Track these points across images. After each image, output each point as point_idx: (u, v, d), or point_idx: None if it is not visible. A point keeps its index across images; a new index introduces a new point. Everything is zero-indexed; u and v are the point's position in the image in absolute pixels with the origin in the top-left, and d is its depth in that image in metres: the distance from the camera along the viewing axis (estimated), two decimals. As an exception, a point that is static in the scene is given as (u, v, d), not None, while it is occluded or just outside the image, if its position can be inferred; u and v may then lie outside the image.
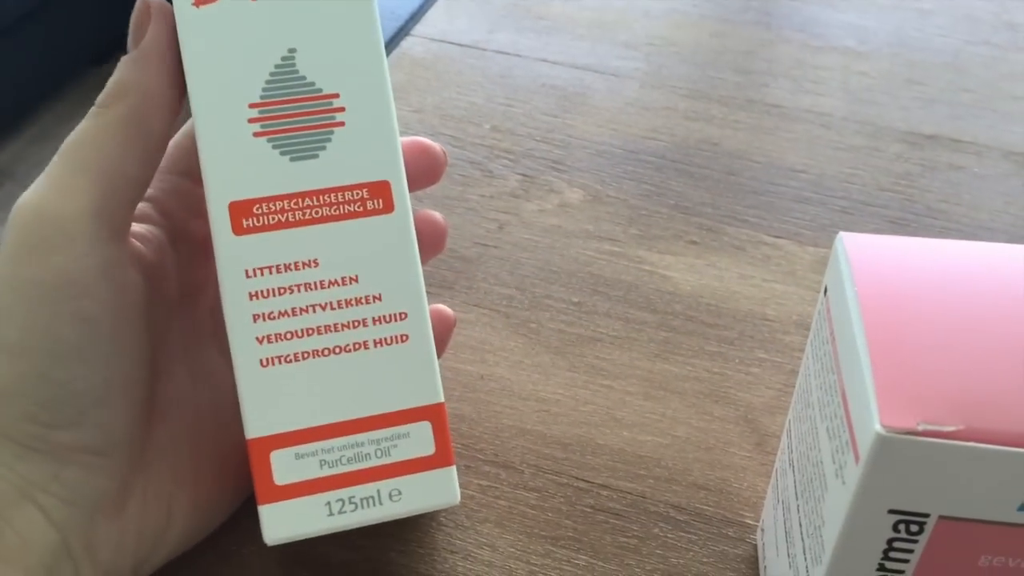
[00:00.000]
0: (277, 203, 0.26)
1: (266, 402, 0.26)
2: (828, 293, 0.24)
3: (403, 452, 0.26)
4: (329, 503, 0.26)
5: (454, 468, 0.27)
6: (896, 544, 0.21)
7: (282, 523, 0.26)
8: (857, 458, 0.21)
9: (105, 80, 0.27)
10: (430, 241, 0.30)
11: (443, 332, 0.31)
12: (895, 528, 0.21)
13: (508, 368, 0.36)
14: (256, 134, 0.25)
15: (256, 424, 0.26)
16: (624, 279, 0.39)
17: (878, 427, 0.20)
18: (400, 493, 0.26)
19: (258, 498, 0.26)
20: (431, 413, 0.27)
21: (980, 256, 0.23)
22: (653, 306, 0.38)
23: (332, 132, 0.26)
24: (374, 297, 0.26)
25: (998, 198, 0.43)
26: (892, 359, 0.21)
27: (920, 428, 0.19)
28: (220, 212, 0.25)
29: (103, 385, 0.25)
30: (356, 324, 0.26)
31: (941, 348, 0.21)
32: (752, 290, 0.39)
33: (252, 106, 0.25)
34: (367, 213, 0.26)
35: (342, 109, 0.26)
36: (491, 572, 0.30)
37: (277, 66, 0.26)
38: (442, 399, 0.27)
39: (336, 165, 0.26)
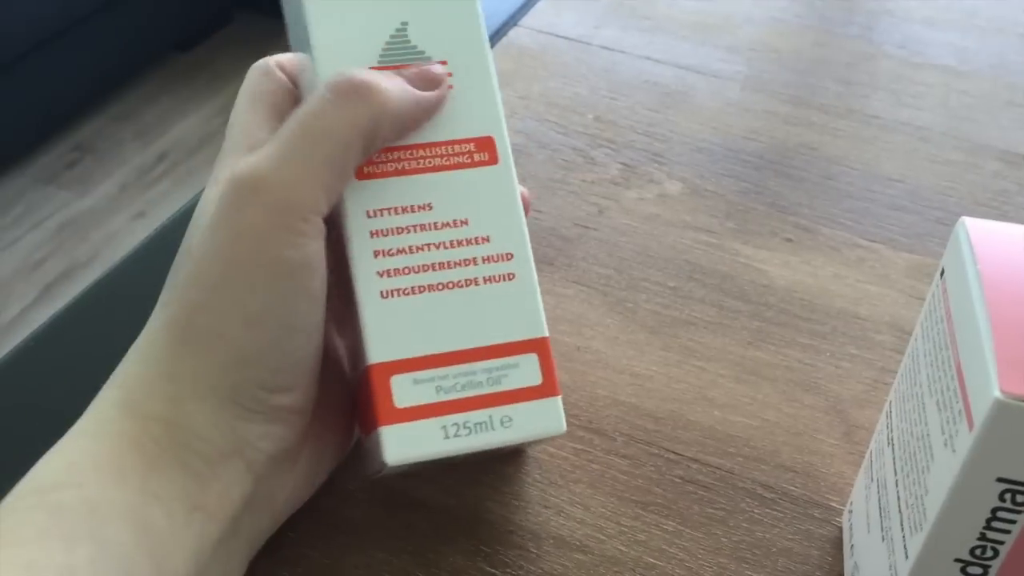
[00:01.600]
0: (393, 152, 0.28)
1: (387, 330, 0.28)
2: (945, 275, 0.25)
3: (512, 381, 0.28)
4: (445, 427, 0.27)
5: (559, 398, 0.29)
6: (1000, 514, 0.22)
7: (402, 444, 0.27)
8: (971, 425, 0.21)
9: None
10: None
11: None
12: (1001, 497, 0.22)
13: (604, 342, 0.37)
14: None
15: (378, 350, 0.27)
16: (720, 269, 0.40)
17: (997, 393, 0.20)
18: (511, 420, 0.28)
19: (379, 420, 0.27)
20: (537, 346, 0.29)
21: (1100, 247, 0.24)
22: (747, 296, 0.39)
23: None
24: (482, 239, 0.29)
25: (1095, 220, 0.43)
26: (1011, 332, 0.22)
27: (1038, 397, 0.20)
28: None
29: (315, 353, 0.27)
30: (467, 262, 0.29)
31: (1060, 327, 0.22)
32: (846, 289, 0.40)
33: (372, 69, 0.28)
34: (474, 164, 0.29)
35: (450, 74, 0.29)
36: (583, 528, 0.31)
37: (392, 36, 0.29)
38: (547, 334, 0.29)
39: (446, 122, 0.29)
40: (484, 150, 0.29)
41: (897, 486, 0.26)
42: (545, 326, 0.29)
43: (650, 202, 0.43)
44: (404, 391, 0.27)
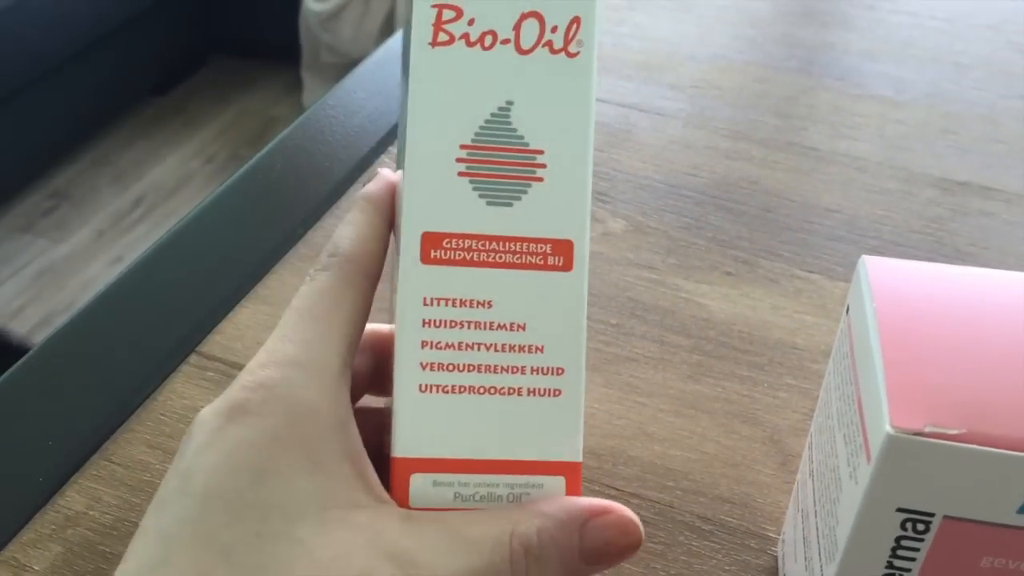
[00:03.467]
0: (466, 241, 0.27)
1: (418, 425, 0.27)
2: (850, 312, 0.26)
3: (533, 500, 0.27)
4: None
5: None
6: (904, 543, 0.23)
7: None
8: (869, 458, 0.22)
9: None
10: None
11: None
12: (903, 526, 0.23)
13: (547, 382, 0.38)
14: (460, 173, 0.26)
15: (405, 444, 0.26)
16: (661, 304, 0.41)
17: (888, 428, 0.21)
18: None
19: None
20: (568, 469, 0.27)
21: (990, 281, 0.25)
22: (688, 331, 0.40)
23: (530, 185, 0.27)
24: (537, 348, 0.27)
25: (1026, 244, 0.44)
26: (904, 368, 0.22)
27: (926, 430, 0.21)
28: (412, 239, 0.26)
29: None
30: (515, 370, 0.27)
31: (950, 360, 0.23)
32: (784, 320, 0.41)
33: (463, 147, 0.26)
34: (547, 267, 0.27)
35: (544, 165, 0.27)
36: (524, 567, 0.32)
37: (493, 114, 0.27)
38: (580, 459, 0.27)
39: (528, 216, 0.27)
40: (560, 254, 0.27)
41: (816, 516, 0.27)
42: (580, 451, 0.27)
43: (594, 240, 0.44)
44: (421, 491, 0.26)
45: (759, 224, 0.46)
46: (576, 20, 0.27)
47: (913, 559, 0.23)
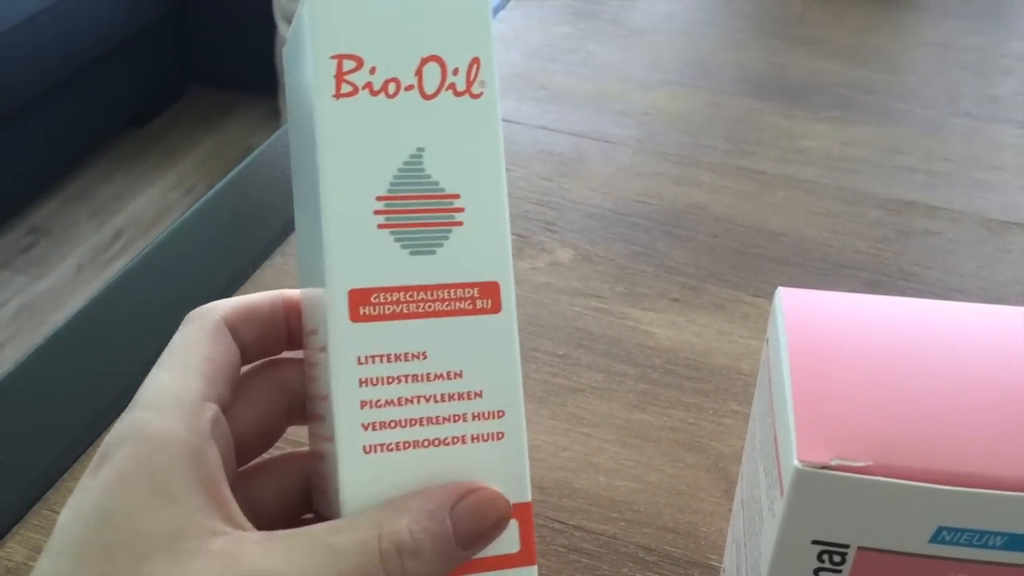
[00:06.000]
0: (394, 294, 0.26)
1: (364, 487, 0.26)
2: (768, 343, 0.26)
3: (488, 549, 0.27)
4: None
5: (536, 568, 0.27)
6: (822, 574, 0.23)
7: None
8: (782, 491, 0.23)
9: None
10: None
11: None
12: (819, 558, 0.23)
13: (493, 415, 0.38)
14: (380, 226, 0.26)
15: (352, 506, 0.26)
16: (608, 334, 0.42)
17: (796, 462, 0.22)
18: None
19: None
20: (519, 511, 0.27)
21: (904, 310, 0.25)
22: (634, 359, 0.41)
23: (450, 231, 0.27)
24: (475, 393, 0.27)
25: (970, 262, 0.45)
26: (813, 401, 0.23)
27: (833, 463, 0.21)
28: (339, 298, 0.26)
29: None
30: (456, 418, 0.27)
31: (860, 391, 0.23)
32: (729, 346, 0.41)
33: (379, 198, 0.26)
34: (476, 311, 0.27)
35: (461, 209, 0.27)
36: (466, 605, 0.32)
37: (405, 163, 0.26)
38: (530, 498, 0.27)
39: (451, 262, 0.27)
40: (488, 297, 0.27)
41: (745, 547, 0.27)
42: (529, 491, 0.27)
43: (542, 271, 0.45)
44: None
45: (707, 249, 0.46)
46: (475, 61, 0.27)
47: (832, 590, 0.23)
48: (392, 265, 0.26)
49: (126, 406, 0.38)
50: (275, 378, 0.29)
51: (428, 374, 0.27)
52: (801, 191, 0.49)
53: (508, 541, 0.27)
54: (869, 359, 0.24)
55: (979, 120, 0.54)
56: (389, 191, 0.26)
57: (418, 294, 0.26)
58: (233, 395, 0.28)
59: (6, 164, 1.77)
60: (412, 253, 0.26)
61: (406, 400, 0.26)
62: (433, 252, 0.27)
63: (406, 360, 0.26)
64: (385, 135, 0.26)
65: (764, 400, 0.26)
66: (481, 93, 0.27)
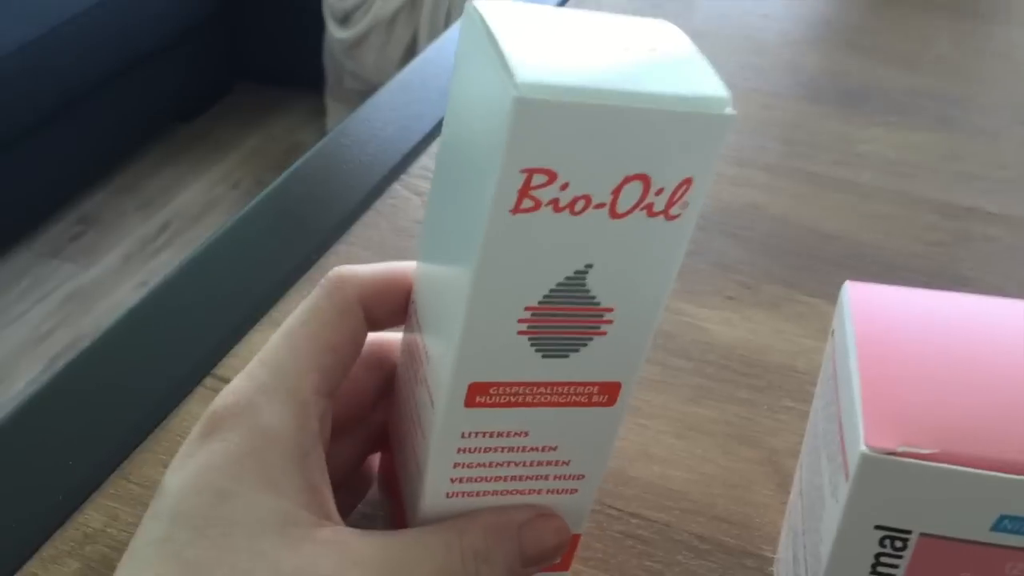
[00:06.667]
0: (514, 388, 0.26)
1: (438, 516, 0.28)
2: (834, 335, 0.27)
3: None
4: None
5: (568, 573, 0.31)
6: (883, 559, 0.24)
7: None
8: (847, 476, 0.23)
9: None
10: None
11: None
12: (881, 543, 0.24)
13: (551, 404, 0.39)
14: (520, 332, 0.24)
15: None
16: (664, 328, 0.42)
17: (863, 447, 0.22)
18: None
19: None
20: (571, 539, 0.29)
21: (969, 306, 0.26)
22: (689, 354, 0.41)
23: (592, 339, 0.25)
24: (563, 462, 0.28)
25: (1027, 269, 0.45)
26: (880, 389, 0.23)
27: (900, 450, 0.22)
28: (459, 388, 0.25)
29: None
30: (539, 477, 0.28)
31: (926, 382, 0.23)
32: (784, 344, 0.42)
33: (528, 309, 0.24)
34: (590, 404, 0.26)
35: (611, 322, 0.25)
36: (524, 585, 0.33)
37: (568, 278, 0.24)
38: (582, 531, 0.30)
39: (583, 366, 0.25)
40: (606, 393, 0.26)
41: (803, 535, 0.28)
42: (583, 526, 0.30)
43: (599, 266, 0.45)
44: None
45: (762, 249, 0.46)
46: (687, 181, 0.22)
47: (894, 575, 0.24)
48: (521, 365, 0.25)
49: (200, 382, 0.40)
50: (379, 354, 0.30)
51: (525, 447, 0.27)
52: (857, 194, 0.50)
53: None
54: (935, 351, 0.24)
55: (1037, 129, 0.54)
56: (540, 303, 0.24)
57: (538, 388, 0.26)
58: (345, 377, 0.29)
59: (58, 154, 1.81)
60: (544, 356, 0.25)
61: (498, 464, 0.27)
62: (567, 356, 0.25)
63: (507, 436, 0.27)
64: (555, 249, 0.23)
65: (828, 391, 0.26)
66: (679, 215, 0.23)
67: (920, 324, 0.25)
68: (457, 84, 0.24)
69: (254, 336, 0.42)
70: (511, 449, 0.27)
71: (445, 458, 0.26)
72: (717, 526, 0.35)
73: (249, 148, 2.15)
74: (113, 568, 0.33)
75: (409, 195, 0.50)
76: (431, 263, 0.27)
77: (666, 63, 0.22)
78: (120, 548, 0.34)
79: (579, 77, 0.21)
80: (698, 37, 0.22)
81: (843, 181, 0.51)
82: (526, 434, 0.27)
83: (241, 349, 0.42)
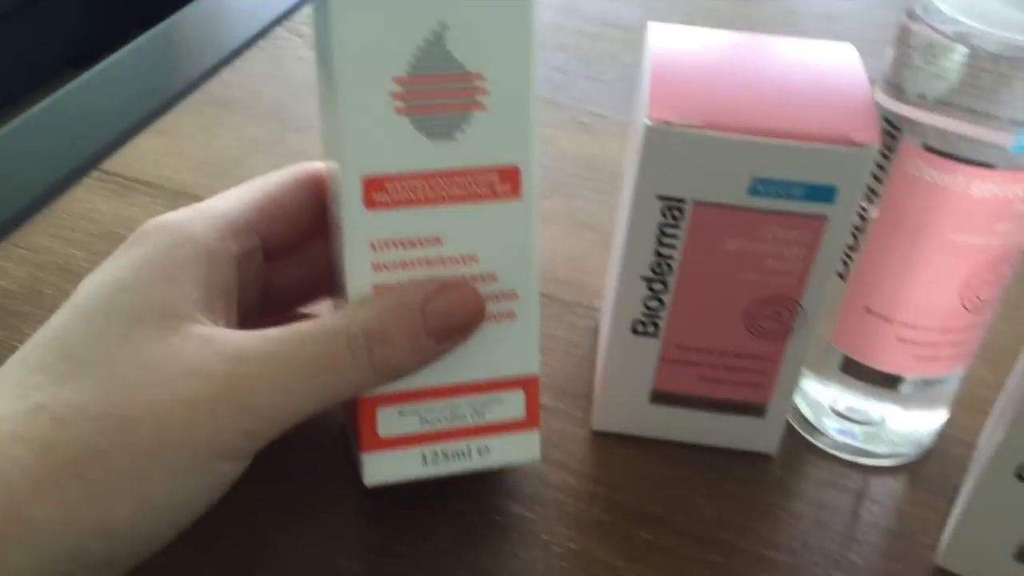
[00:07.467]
0: (410, 181, 0.26)
1: None
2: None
3: (496, 415, 0.28)
4: (424, 455, 0.28)
5: (538, 431, 0.29)
6: (666, 230, 0.29)
7: (380, 469, 0.28)
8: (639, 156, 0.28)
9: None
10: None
11: None
12: (663, 213, 0.28)
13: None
14: (398, 110, 0.25)
15: None
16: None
17: (647, 120, 0.27)
18: (488, 450, 0.29)
19: (362, 446, 0.28)
20: (526, 383, 0.28)
21: (749, 39, 0.31)
22: (544, 164, 0.46)
23: (472, 114, 0.25)
24: (489, 276, 0.27)
25: None
26: (665, 81, 0.28)
27: (676, 121, 0.27)
28: (353, 185, 0.25)
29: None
30: None
31: (703, 79, 0.28)
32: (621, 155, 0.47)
33: (397, 81, 0.25)
34: (495, 197, 0.26)
35: (484, 91, 0.25)
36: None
37: (426, 40, 0.24)
38: (538, 371, 0.28)
39: (471, 147, 0.26)
40: (508, 181, 0.26)
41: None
42: (537, 365, 0.28)
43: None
44: (389, 422, 0.28)
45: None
46: None
47: (674, 246, 0.29)
48: (408, 151, 0.25)
49: (88, 174, 0.43)
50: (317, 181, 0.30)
51: (443, 258, 0.27)
52: None
53: (514, 408, 0.29)
54: (714, 58, 0.29)
55: None
56: (408, 73, 0.25)
57: (436, 180, 0.26)
58: (285, 247, 0.29)
59: None
60: (430, 137, 0.25)
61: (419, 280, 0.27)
62: (453, 137, 0.26)
63: (420, 245, 0.26)
64: (405, 12, 0.24)
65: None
66: None
67: (706, 44, 0.30)
68: None
69: (139, 140, 0.46)
70: (429, 262, 0.27)
71: (362, 270, 0.26)
72: (556, 286, 0.40)
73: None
74: (5, 310, 0.37)
75: (291, 36, 0.54)
76: (319, 77, 0.27)
77: None
78: (11, 294, 0.37)
79: None
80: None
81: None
82: (440, 241, 0.26)
83: (127, 150, 0.45)
